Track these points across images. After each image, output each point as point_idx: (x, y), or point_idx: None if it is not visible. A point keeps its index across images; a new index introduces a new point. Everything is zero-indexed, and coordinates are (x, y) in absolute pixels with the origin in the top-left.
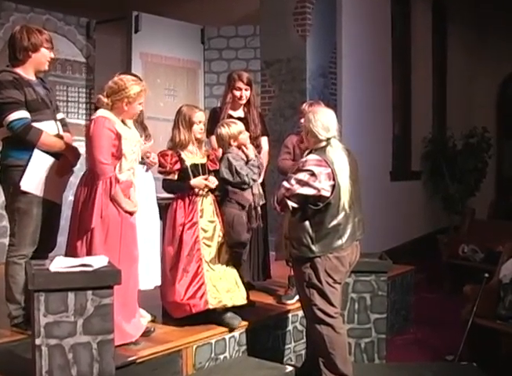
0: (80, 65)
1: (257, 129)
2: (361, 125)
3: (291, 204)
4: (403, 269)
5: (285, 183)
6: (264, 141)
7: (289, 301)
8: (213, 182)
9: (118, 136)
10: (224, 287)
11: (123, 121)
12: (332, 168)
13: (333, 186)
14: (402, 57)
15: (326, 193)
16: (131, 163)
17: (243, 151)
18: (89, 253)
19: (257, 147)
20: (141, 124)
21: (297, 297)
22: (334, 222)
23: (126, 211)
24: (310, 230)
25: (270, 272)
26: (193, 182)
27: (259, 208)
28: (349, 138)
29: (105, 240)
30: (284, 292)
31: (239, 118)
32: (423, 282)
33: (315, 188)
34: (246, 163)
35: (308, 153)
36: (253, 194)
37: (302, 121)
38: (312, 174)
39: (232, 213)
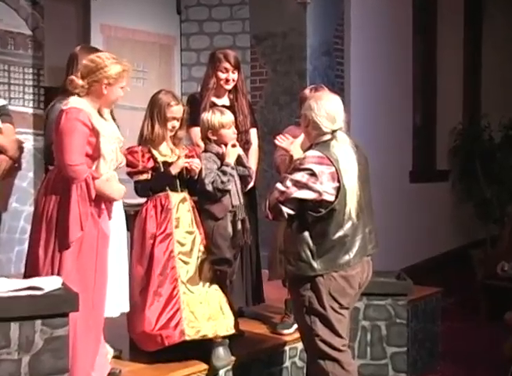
0: (25, 39)
1: (247, 121)
2: (373, 114)
3: (286, 210)
4: (427, 291)
5: (279, 185)
6: (253, 134)
7: (286, 331)
8: (197, 163)
9: (95, 133)
10: (204, 313)
11: (99, 112)
12: (336, 167)
13: (338, 189)
14: (425, 30)
15: (330, 196)
16: (110, 165)
17: (220, 152)
18: (59, 273)
19: (247, 143)
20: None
21: (295, 326)
22: (340, 233)
23: (114, 199)
24: (310, 243)
25: (263, 295)
26: (174, 167)
27: (247, 220)
28: (358, 130)
29: (78, 256)
30: (280, 320)
31: (223, 107)
32: (452, 307)
33: (315, 191)
34: (220, 167)
35: (307, 149)
36: (232, 205)
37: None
38: (312, 174)
39: (211, 224)
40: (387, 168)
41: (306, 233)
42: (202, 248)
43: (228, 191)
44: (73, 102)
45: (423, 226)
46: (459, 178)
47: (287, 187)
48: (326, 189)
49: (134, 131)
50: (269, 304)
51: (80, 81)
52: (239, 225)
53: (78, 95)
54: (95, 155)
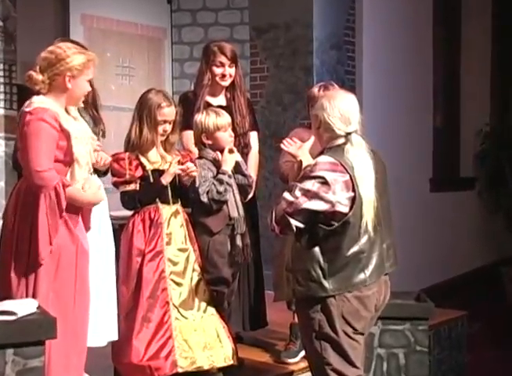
0: None
1: (246, 122)
2: (388, 115)
3: (295, 223)
4: (451, 314)
5: (287, 195)
6: (253, 138)
7: (291, 360)
8: (191, 168)
9: (65, 134)
10: (199, 341)
11: (66, 111)
12: (351, 175)
13: (353, 199)
14: (447, 20)
15: (343, 208)
16: (85, 169)
17: (215, 158)
18: (34, 296)
19: (246, 147)
20: (95, 115)
21: (302, 353)
22: (355, 249)
23: (93, 204)
24: (321, 260)
25: (266, 318)
26: (166, 175)
27: (247, 235)
28: (371, 133)
29: (55, 276)
30: (284, 347)
31: (220, 107)
32: (480, 333)
33: (327, 201)
34: (216, 176)
35: (318, 154)
36: (230, 218)
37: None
38: (324, 182)
39: (207, 239)
40: (405, 176)
41: (317, 249)
42: (197, 267)
43: (226, 202)
44: (36, 101)
45: (445, 241)
46: (486, 187)
47: (296, 197)
48: (339, 199)
49: (119, 136)
50: (273, 329)
51: (40, 76)
52: (238, 241)
53: (41, 93)
54: (67, 159)
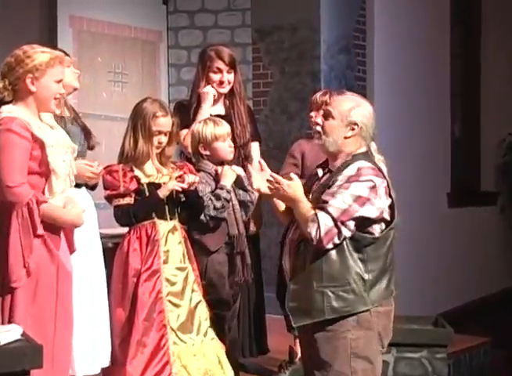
0: None
1: (246, 132)
2: (402, 124)
3: (346, 233)
4: (473, 341)
5: (336, 203)
6: (254, 149)
7: None
8: (192, 180)
9: (39, 144)
10: (199, 368)
11: (40, 119)
12: (388, 181)
13: (391, 206)
14: (466, 18)
15: (386, 215)
16: (64, 181)
17: (216, 172)
18: (10, 321)
19: (246, 159)
20: (82, 127)
21: None
22: (390, 258)
23: (74, 225)
24: (362, 271)
25: (267, 344)
26: (163, 189)
27: (247, 254)
28: (384, 144)
29: (33, 300)
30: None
31: (218, 116)
32: (504, 362)
33: (378, 208)
34: (214, 191)
35: (345, 163)
36: (229, 236)
37: (313, 116)
38: (373, 187)
39: (204, 258)
40: (420, 190)
41: (357, 260)
42: (196, 288)
43: (224, 219)
44: (3, 111)
45: (465, 261)
46: (509, 201)
47: (349, 204)
48: (384, 205)
49: (111, 147)
50: (274, 356)
51: (0, 84)
52: (238, 260)
53: (9, 102)
54: (42, 170)
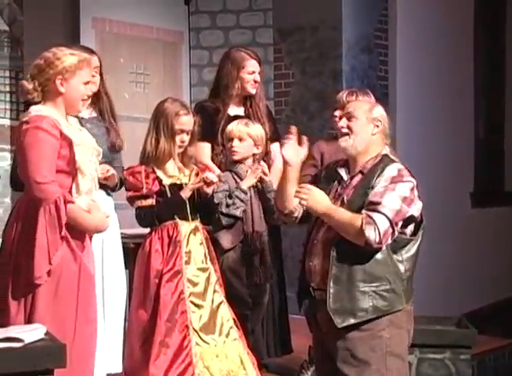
0: (0, 35)
1: (265, 130)
2: (425, 124)
3: (396, 233)
4: (497, 342)
5: (390, 204)
6: (275, 149)
7: None
8: (211, 178)
9: (68, 142)
10: (222, 368)
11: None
12: (416, 182)
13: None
14: (490, 16)
15: (419, 214)
16: (90, 180)
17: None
18: (30, 320)
19: (266, 155)
20: (113, 126)
21: None
22: (417, 258)
23: (98, 231)
24: (401, 270)
25: (291, 343)
26: (185, 190)
27: (267, 253)
28: (406, 144)
29: (53, 299)
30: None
31: (237, 117)
32: None
33: (418, 209)
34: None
35: (378, 164)
36: (245, 234)
37: (338, 115)
38: (413, 188)
39: (220, 256)
40: (443, 190)
41: (395, 259)
42: (218, 288)
43: (237, 217)
44: (33, 110)
45: (489, 261)
46: None
47: (400, 205)
48: (420, 205)
49: (133, 148)
50: (298, 355)
51: (30, 85)
52: (256, 260)
53: (38, 103)
54: (70, 169)
